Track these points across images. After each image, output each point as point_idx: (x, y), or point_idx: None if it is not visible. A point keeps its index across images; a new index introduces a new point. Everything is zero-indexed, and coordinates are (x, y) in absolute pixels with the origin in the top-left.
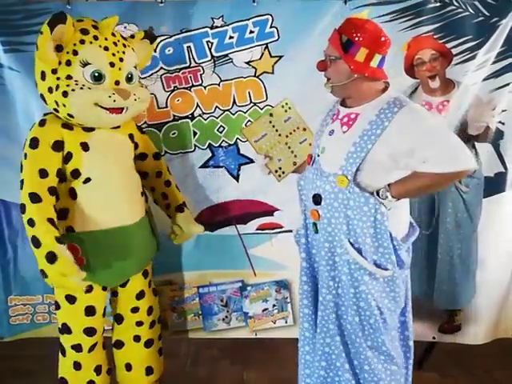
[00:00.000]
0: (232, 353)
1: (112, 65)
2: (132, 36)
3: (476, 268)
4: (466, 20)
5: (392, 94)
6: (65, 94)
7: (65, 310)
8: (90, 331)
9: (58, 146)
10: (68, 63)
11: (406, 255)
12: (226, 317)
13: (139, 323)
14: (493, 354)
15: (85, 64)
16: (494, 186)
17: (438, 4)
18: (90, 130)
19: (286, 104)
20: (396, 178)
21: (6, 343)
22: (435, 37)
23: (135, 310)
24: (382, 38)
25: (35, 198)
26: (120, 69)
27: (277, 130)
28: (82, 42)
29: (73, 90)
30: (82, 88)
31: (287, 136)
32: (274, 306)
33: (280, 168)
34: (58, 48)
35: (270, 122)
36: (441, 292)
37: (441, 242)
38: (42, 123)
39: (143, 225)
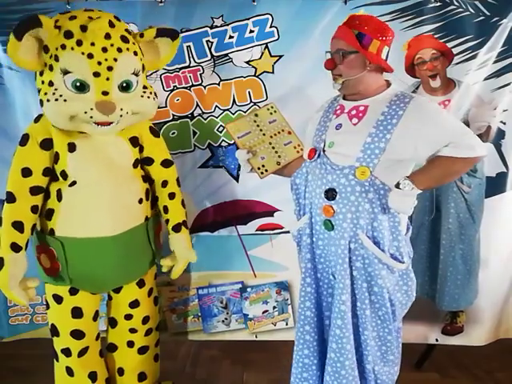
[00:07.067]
0: (232, 354)
1: (97, 75)
2: (141, 35)
3: (478, 269)
4: (466, 19)
5: (397, 88)
6: (41, 102)
7: (53, 310)
8: (77, 334)
9: (46, 144)
10: (51, 68)
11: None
12: (226, 319)
13: (133, 330)
14: (494, 355)
15: (65, 72)
16: (495, 186)
17: (439, 4)
18: (82, 131)
19: (272, 107)
20: (410, 171)
21: (5, 343)
22: (436, 36)
23: (129, 317)
24: (390, 32)
25: (10, 197)
26: (108, 79)
27: (261, 130)
28: (64, 47)
29: (48, 100)
30: (57, 99)
31: (271, 137)
32: (274, 307)
33: (263, 166)
34: (46, 49)
35: (255, 121)
36: (443, 293)
37: (443, 243)
38: (37, 119)
39: (133, 235)
